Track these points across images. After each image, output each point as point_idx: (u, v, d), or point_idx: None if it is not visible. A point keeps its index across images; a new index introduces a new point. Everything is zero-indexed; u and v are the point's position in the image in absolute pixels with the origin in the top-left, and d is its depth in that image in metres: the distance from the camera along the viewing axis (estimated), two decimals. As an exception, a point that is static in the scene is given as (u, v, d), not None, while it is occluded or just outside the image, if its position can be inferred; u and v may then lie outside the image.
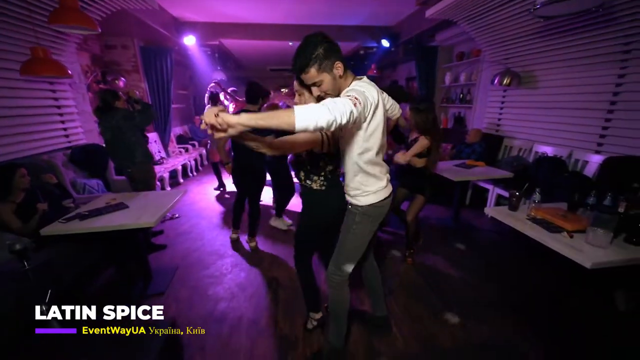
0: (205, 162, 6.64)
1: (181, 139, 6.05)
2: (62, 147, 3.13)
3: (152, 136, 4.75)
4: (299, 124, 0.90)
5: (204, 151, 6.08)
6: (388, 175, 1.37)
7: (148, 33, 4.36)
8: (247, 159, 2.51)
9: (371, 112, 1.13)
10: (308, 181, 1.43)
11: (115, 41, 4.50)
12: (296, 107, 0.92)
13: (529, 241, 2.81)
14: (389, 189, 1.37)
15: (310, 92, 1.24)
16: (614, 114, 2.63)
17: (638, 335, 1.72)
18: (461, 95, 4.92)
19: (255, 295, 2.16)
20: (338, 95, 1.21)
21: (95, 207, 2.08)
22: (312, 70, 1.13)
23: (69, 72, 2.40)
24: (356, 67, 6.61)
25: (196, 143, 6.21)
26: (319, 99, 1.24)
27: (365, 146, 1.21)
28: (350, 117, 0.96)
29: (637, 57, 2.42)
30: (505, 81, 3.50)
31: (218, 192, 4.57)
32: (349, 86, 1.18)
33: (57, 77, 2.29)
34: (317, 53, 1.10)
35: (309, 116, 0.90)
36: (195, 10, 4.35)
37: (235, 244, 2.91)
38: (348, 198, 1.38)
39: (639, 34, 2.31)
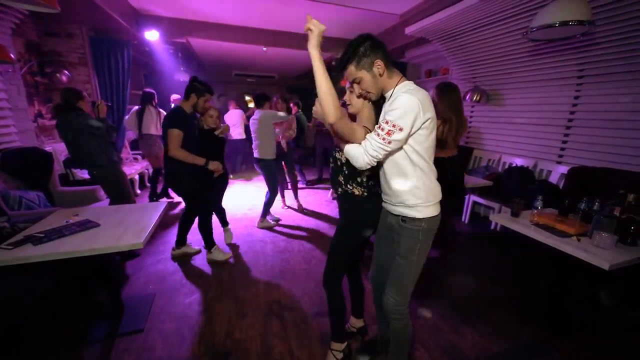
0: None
1: (136, 145, 5.32)
2: (-12, 150, 2.46)
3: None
4: (346, 153, 1.16)
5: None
6: None
7: (101, 22, 3.76)
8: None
9: (425, 125, 1.08)
10: (349, 186, 1.31)
11: (57, 27, 3.80)
12: (347, 147, 1.14)
13: (508, 242, 3.06)
14: None
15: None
16: (571, 129, 3.02)
17: (620, 326, 1.92)
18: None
19: (258, 322, 1.90)
20: (381, 94, 1.20)
21: (52, 227, 1.63)
22: (351, 67, 1.14)
23: (12, 55, 1.91)
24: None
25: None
26: (360, 97, 1.24)
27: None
28: (383, 155, 1.08)
29: (589, 82, 2.83)
30: (475, 97, 3.83)
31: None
32: (394, 87, 1.15)
33: (-4, 61, 1.79)
34: (357, 50, 1.11)
35: (352, 153, 1.13)
36: (162, 3, 3.91)
37: (221, 265, 2.58)
38: (402, 210, 1.18)
39: (590, 62, 2.71)
